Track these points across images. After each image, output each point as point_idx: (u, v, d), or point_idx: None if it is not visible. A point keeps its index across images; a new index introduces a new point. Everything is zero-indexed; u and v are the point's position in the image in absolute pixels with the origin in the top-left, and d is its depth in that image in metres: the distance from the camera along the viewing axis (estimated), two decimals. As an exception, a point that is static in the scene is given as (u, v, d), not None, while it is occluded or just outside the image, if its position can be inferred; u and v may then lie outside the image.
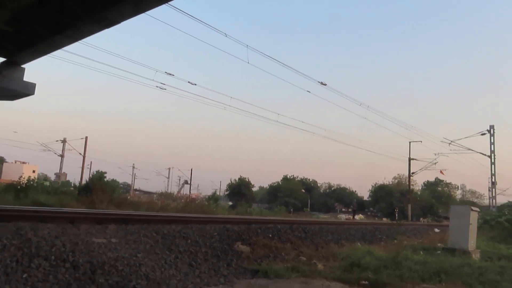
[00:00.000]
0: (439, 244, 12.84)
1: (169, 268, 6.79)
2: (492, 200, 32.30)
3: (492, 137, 32.06)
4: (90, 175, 35.95)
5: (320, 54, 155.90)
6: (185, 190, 73.54)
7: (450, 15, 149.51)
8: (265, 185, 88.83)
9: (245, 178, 66.69)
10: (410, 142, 40.15)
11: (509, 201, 29.98)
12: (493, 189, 32.76)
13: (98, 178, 25.64)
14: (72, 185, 34.73)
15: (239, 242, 9.00)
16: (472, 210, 11.97)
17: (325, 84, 19.18)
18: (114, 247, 6.86)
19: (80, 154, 46.08)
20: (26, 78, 11.89)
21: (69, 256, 5.94)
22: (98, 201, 17.54)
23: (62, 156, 53.55)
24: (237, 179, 66.43)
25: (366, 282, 7.23)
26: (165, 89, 19.06)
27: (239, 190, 63.69)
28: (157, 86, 18.80)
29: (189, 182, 72.13)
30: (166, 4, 8.65)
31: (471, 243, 11.45)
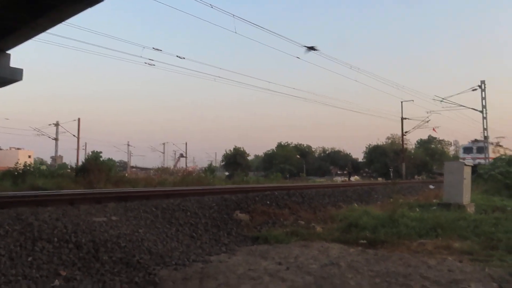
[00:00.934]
0: (434, 200, 13.11)
1: (171, 241, 6.91)
2: (485, 154, 32.73)
3: (483, 92, 32.07)
4: (86, 156, 35.86)
5: (308, 18, 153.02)
6: (181, 164, 73.88)
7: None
8: (260, 153, 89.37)
9: (240, 148, 67.12)
10: (402, 102, 40.20)
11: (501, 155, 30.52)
12: (485, 143, 33.15)
13: (94, 158, 25.53)
14: (69, 167, 34.68)
15: (238, 211, 9.13)
16: (465, 165, 12.16)
17: (314, 49, 18.85)
18: (115, 224, 6.94)
19: (74, 136, 45.75)
20: (13, 64, 11.65)
21: (71, 237, 6.01)
22: (95, 181, 17.59)
23: (56, 139, 53.04)
24: (232, 149, 66.78)
25: (365, 241, 7.43)
26: (154, 65, 18.64)
27: (235, 160, 64.16)
28: (145, 63, 18.36)
29: (184, 155, 72.39)
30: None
31: (466, 197, 11.70)
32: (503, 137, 42.90)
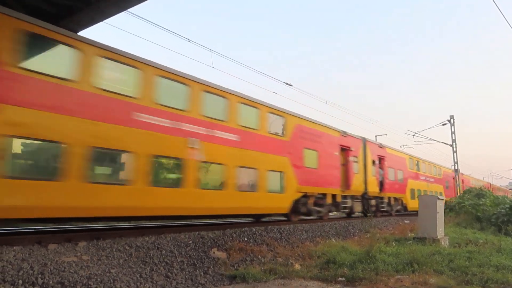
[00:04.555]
0: (410, 234, 13.23)
1: (145, 281, 6.65)
2: (457, 187, 33.60)
3: (452, 127, 33.29)
4: None
5: (285, 54, 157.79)
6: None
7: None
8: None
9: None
10: (376, 136, 41.11)
11: (468, 187, 31.27)
12: (457, 176, 34.10)
13: None
14: None
15: (215, 248, 8.94)
16: (438, 198, 12.42)
17: (290, 85, 19.35)
18: (85, 264, 6.66)
19: None
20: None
21: (38, 279, 5.71)
22: None
23: None
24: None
25: (343, 279, 7.36)
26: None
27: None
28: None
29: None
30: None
31: (440, 231, 11.87)
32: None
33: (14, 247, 6.76)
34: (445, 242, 11.53)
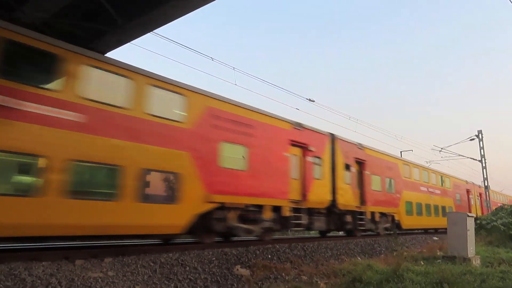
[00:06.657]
0: (438, 253, 12.79)
1: (169, 298, 6.66)
2: (487, 204, 32.42)
3: (481, 142, 32.35)
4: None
5: (308, 70, 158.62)
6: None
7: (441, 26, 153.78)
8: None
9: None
10: (401, 152, 40.32)
11: (502, 204, 30.04)
12: (487, 193, 32.95)
13: None
14: None
15: (238, 266, 8.88)
16: (468, 216, 11.98)
17: (313, 101, 19.35)
18: (111, 280, 6.73)
19: None
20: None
21: (65, 294, 5.81)
22: None
23: None
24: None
25: (370, 298, 7.18)
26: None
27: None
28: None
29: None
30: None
31: (470, 250, 11.43)
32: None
33: (43, 262, 6.91)
34: (476, 262, 11.07)
